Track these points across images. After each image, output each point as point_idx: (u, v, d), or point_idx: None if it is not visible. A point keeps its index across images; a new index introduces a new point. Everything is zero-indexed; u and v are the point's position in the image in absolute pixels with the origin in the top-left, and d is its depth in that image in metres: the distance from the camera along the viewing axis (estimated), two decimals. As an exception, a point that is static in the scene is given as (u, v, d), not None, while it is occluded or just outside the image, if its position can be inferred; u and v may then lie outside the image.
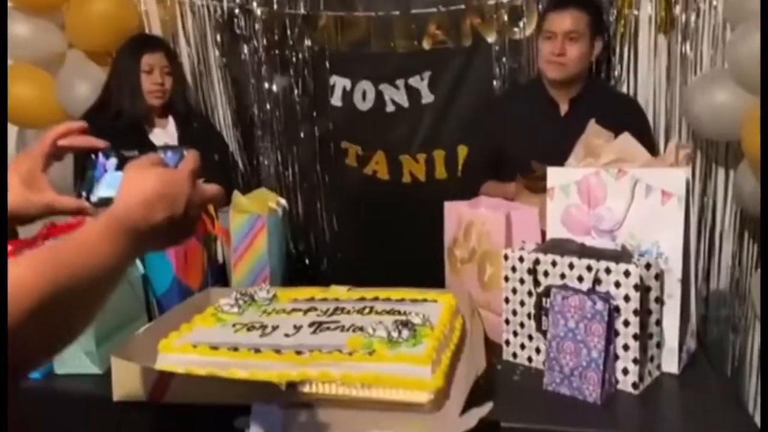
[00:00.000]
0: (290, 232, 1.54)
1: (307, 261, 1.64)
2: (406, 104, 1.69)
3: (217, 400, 0.73)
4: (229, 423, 0.71)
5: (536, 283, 0.87)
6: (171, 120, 1.58)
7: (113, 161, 0.59)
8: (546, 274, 0.85)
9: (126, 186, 0.51)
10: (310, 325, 0.90)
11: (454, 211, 1.07)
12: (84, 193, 0.58)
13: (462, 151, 1.67)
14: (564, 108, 1.43)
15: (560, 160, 0.97)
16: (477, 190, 1.37)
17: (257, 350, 0.80)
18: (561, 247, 0.88)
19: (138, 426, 0.78)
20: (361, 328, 0.85)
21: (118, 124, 1.49)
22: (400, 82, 1.68)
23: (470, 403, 0.70)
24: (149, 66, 1.53)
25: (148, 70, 1.53)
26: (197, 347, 0.82)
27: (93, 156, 0.59)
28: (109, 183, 0.57)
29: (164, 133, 1.56)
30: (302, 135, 1.76)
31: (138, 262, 1.01)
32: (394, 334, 0.81)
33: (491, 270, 0.97)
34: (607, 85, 1.56)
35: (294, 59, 1.71)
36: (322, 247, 1.72)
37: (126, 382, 0.77)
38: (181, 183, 0.53)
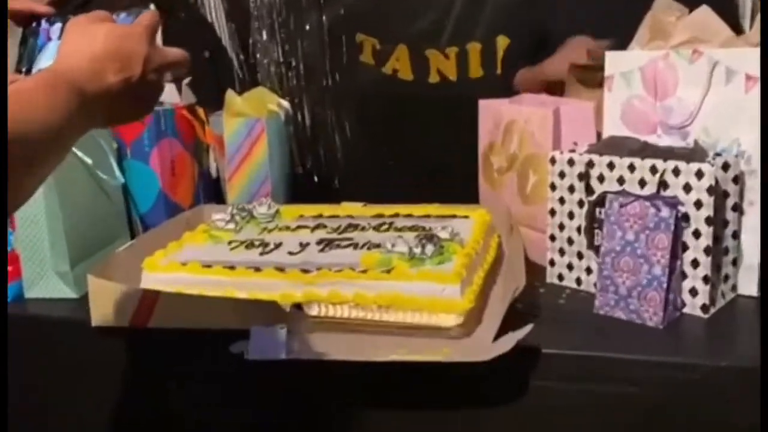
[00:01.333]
0: (295, 145, 1.53)
1: (315, 178, 1.63)
2: (433, -16, 1.63)
3: (210, 325, 0.75)
4: (224, 349, 0.73)
5: (589, 190, 0.85)
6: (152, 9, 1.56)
7: (58, 27, 0.56)
8: (601, 179, 0.84)
9: (67, 43, 0.49)
10: (318, 242, 0.90)
11: (491, 110, 1.05)
12: (24, 68, 0.56)
13: (502, 42, 1.61)
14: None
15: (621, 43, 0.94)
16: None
17: (257, 269, 0.82)
18: (620, 146, 0.85)
19: (120, 354, 0.80)
20: (378, 245, 0.86)
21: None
22: (426, -43, 1.62)
23: (506, 328, 0.70)
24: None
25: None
26: (187, 265, 0.83)
27: (34, 23, 0.57)
28: (54, 53, 0.55)
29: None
30: (307, 27, 1.72)
31: (116, 170, 1.01)
32: (417, 250, 0.81)
33: (535, 179, 0.96)
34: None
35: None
36: (333, 162, 1.71)
37: (105, 304, 0.79)
38: (135, 39, 0.51)
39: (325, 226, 0.97)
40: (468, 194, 1.09)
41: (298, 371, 0.73)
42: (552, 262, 0.91)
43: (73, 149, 0.86)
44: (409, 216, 1.00)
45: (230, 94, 1.18)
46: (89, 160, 0.96)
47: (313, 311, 0.79)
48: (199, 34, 1.63)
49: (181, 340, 0.77)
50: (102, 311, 0.79)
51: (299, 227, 0.97)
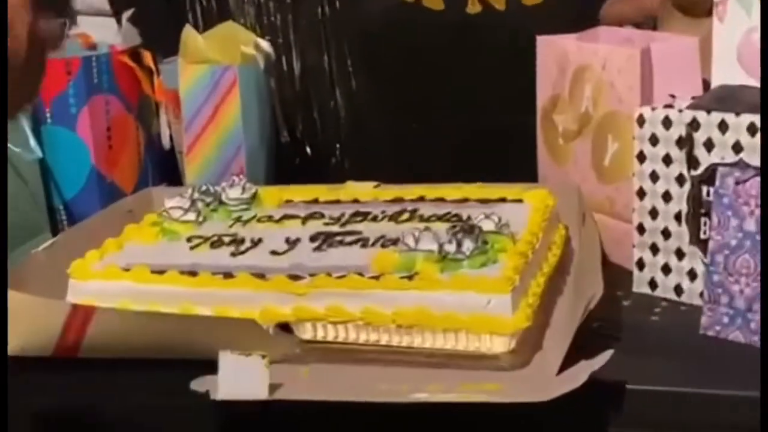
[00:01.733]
0: (279, 103, 1.54)
1: (307, 149, 1.63)
2: None
3: (163, 353, 0.75)
4: (183, 385, 0.73)
5: (692, 161, 0.85)
6: None
7: None
8: (709, 145, 0.84)
9: None
10: (313, 238, 0.91)
11: (553, 51, 1.05)
12: None
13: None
14: None
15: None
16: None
17: (228, 274, 0.82)
18: (735, 99, 0.85)
19: (40, 392, 0.81)
20: (396, 241, 0.86)
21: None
22: None
23: (575, 356, 0.70)
24: None
25: None
26: (131, 270, 0.84)
27: None
28: None
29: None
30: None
31: (33, 144, 1.03)
32: (450, 247, 0.81)
33: (615, 146, 0.96)
34: None
35: None
36: (332, 126, 1.71)
37: (21, 326, 0.78)
38: None
39: (321, 216, 0.97)
40: (521, 169, 1.09)
41: (285, 418, 0.74)
42: (640, 264, 0.91)
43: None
44: (438, 200, 1.00)
45: (189, 32, 1.18)
46: (-6, 127, 0.98)
47: (306, 333, 0.79)
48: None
49: (124, 374, 0.78)
50: (17, 336, 0.79)
51: (286, 217, 0.98)
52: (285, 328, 0.79)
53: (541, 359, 0.75)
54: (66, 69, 1.12)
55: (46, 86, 1.09)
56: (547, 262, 0.88)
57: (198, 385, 0.73)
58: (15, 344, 0.79)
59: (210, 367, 0.73)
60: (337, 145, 1.69)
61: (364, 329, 0.78)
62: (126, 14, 1.25)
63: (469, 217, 0.91)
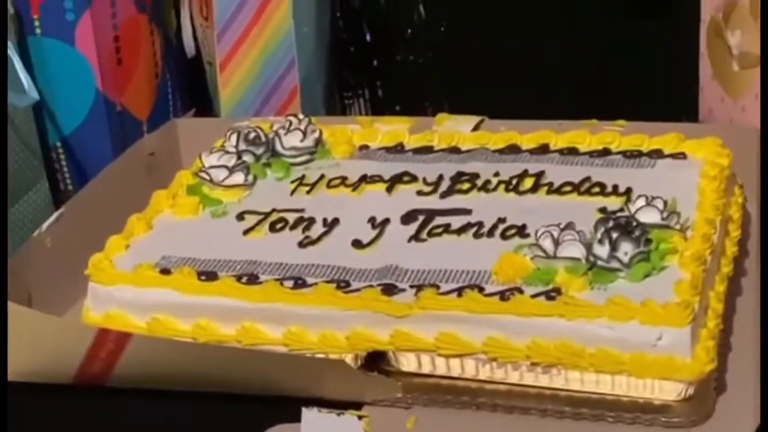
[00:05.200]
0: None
1: (368, 38, 1.59)
2: None
3: (215, 388, 0.76)
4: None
5: None
6: None
7: None
8: None
9: None
10: (406, 218, 0.89)
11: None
12: None
13: None
14: None
15: None
16: None
17: (299, 281, 0.81)
18: None
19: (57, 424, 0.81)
20: (521, 230, 0.85)
21: None
22: None
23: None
24: None
25: None
26: (172, 274, 0.83)
27: None
28: None
29: None
30: None
31: (27, 83, 1.01)
32: (601, 250, 0.78)
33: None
34: None
35: None
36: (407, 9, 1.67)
37: (33, 347, 0.79)
38: None
39: (412, 178, 0.96)
40: (678, 105, 1.08)
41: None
42: None
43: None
44: (572, 152, 0.98)
45: None
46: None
47: (409, 365, 0.78)
48: None
49: (163, 412, 0.78)
50: (22, 357, 0.79)
51: (365, 180, 0.96)
52: (375, 359, 0.78)
53: (726, 407, 0.73)
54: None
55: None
56: (726, 256, 0.85)
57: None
58: (17, 368, 0.79)
59: (281, 412, 0.73)
60: (423, 51, 1.65)
61: (488, 363, 0.76)
62: None
63: (615, 189, 0.89)
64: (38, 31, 1.09)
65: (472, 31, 1.56)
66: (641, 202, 0.83)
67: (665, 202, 0.83)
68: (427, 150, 1.01)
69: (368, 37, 1.58)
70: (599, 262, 0.78)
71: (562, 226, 0.80)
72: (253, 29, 1.16)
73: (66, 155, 1.12)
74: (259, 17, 1.16)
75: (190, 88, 1.23)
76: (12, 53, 1.00)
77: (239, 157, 0.97)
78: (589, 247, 0.78)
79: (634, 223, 0.80)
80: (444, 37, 1.58)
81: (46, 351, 0.80)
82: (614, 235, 0.78)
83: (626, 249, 0.78)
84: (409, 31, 1.64)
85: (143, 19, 1.15)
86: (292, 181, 0.97)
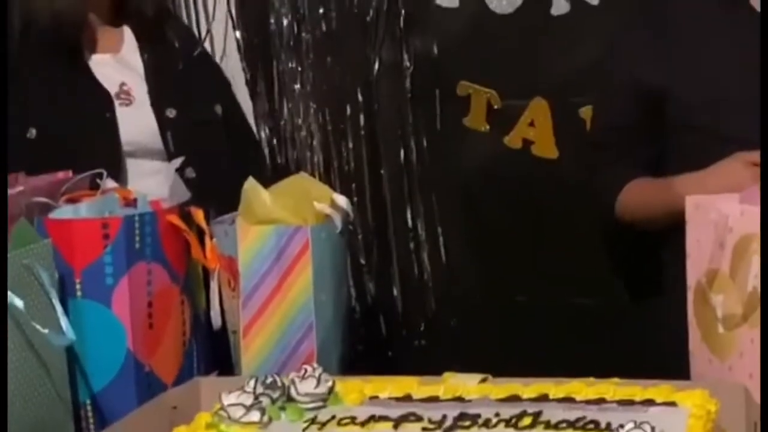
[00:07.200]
0: (352, 270, 1.55)
1: (382, 322, 1.63)
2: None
3: None
4: None
5: None
6: (127, 33, 1.64)
7: None
8: None
9: None
10: None
11: (708, 215, 1.06)
12: None
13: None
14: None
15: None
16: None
17: None
18: None
19: None
20: None
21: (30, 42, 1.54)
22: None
23: None
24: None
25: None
26: None
27: None
28: None
29: (115, 62, 1.61)
30: (377, 64, 1.77)
31: (65, 324, 1.05)
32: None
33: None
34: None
35: None
36: (422, 297, 1.71)
37: None
38: None
39: (418, 418, 0.97)
40: (669, 362, 1.10)
41: None
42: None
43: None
44: (566, 400, 1.00)
45: (252, 186, 1.22)
46: (19, 303, 1.00)
47: None
48: (209, 77, 1.68)
49: None
50: None
51: (373, 419, 0.98)
52: None
53: None
54: (103, 231, 1.14)
55: (77, 252, 1.13)
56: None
57: None
58: None
59: None
60: (423, 322, 1.69)
61: None
62: (175, 163, 1.30)
63: (609, 426, 0.90)
64: (79, 293, 1.13)
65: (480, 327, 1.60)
66: (630, 425, 0.86)
67: (653, 428, 0.86)
68: (433, 399, 1.02)
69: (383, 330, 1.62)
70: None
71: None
72: (274, 299, 1.18)
73: (93, 410, 1.13)
74: (279, 288, 1.18)
75: (214, 354, 1.24)
76: (53, 297, 1.04)
77: (256, 400, 0.99)
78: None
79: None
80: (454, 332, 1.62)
81: None
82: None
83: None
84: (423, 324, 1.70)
85: (176, 290, 1.19)
86: (305, 421, 0.98)
